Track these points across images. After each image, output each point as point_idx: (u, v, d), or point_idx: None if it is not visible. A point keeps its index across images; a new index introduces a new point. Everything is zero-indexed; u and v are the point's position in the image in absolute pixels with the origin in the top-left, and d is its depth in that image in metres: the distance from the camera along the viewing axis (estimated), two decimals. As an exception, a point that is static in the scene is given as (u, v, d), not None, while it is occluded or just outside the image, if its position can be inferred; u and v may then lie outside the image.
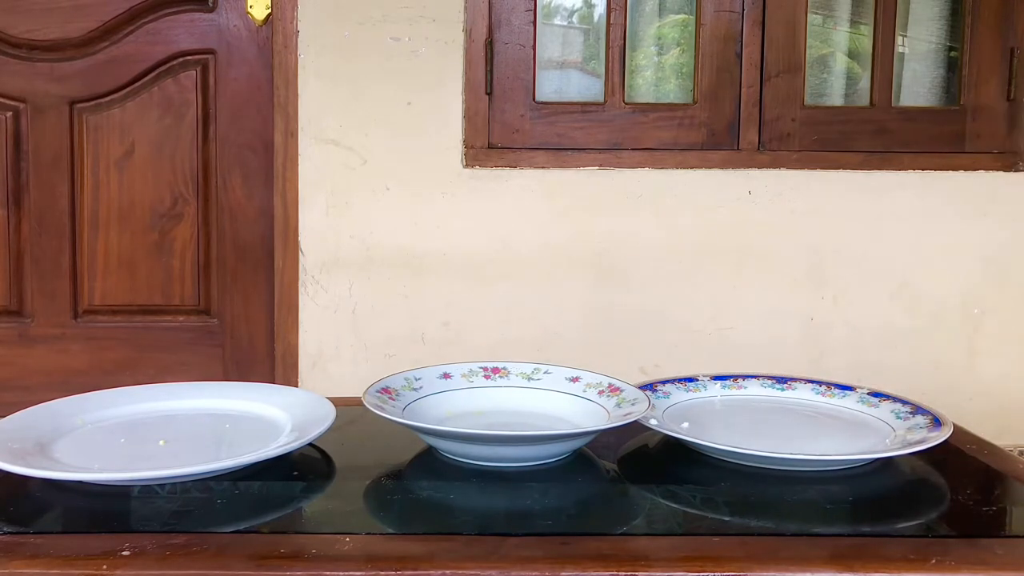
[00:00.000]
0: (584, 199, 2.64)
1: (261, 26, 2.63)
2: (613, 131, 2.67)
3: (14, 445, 1.02)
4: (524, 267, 2.63)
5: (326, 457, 1.09)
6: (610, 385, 1.20)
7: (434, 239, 2.61)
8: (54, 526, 0.93)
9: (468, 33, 2.60)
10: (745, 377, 1.32)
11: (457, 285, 2.61)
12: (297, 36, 2.56)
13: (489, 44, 2.61)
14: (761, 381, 1.31)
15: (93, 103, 2.65)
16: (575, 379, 1.23)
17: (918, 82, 2.86)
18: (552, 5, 2.81)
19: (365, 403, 1.09)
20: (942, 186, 2.69)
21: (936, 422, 1.12)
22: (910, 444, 1.07)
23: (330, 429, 1.08)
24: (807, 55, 2.69)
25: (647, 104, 2.72)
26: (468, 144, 2.62)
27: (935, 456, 1.07)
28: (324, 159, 2.59)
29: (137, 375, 2.62)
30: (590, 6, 2.84)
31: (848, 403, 1.24)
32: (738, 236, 2.66)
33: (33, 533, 0.88)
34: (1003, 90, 2.71)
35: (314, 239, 2.60)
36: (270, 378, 2.64)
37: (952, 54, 2.82)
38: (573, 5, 2.85)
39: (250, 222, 2.68)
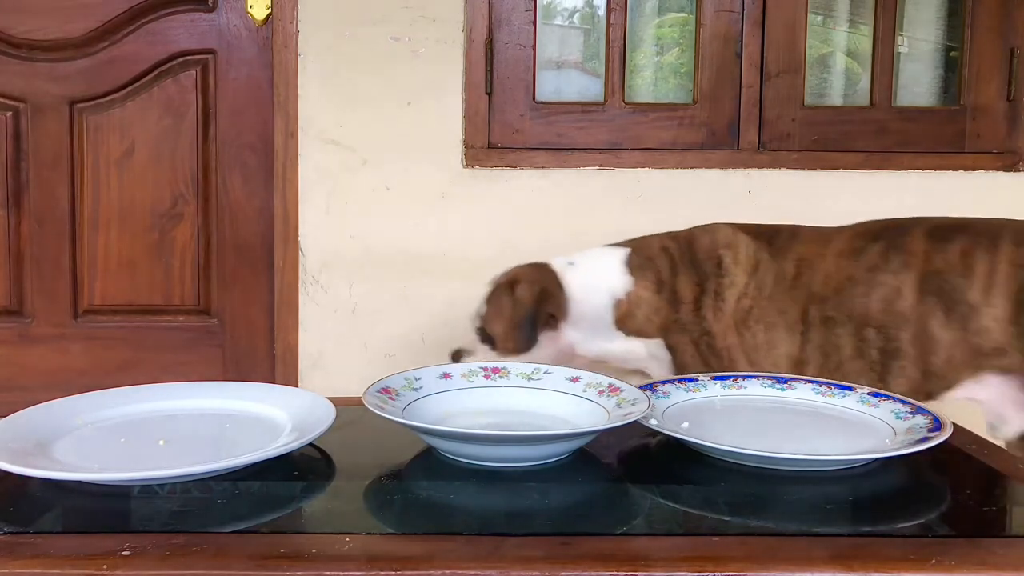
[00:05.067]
0: (584, 199, 2.64)
1: (261, 26, 2.63)
2: (613, 131, 2.68)
3: (14, 445, 1.01)
4: (524, 267, 2.63)
5: (326, 457, 1.09)
6: (610, 385, 1.20)
7: (434, 239, 2.61)
8: (54, 526, 0.93)
9: (468, 33, 2.60)
10: (745, 377, 1.32)
11: (457, 285, 2.61)
12: (297, 36, 2.56)
13: (489, 44, 2.61)
14: (761, 381, 1.31)
15: (93, 103, 2.65)
16: (575, 379, 1.22)
17: (918, 82, 2.87)
18: (552, 5, 2.81)
19: (365, 403, 1.09)
20: (942, 186, 2.69)
21: (936, 422, 1.12)
22: (910, 444, 1.07)
23: (330, 429, 1.07)
24: (807, 55, 2.70)
25: (647, 104, 2.72)
26: (468, 144, 2.62)
27: (935, 456, 1.07)
28: (324, 159, 2.59)
29: (137, 375, 2.62)
30: (590, 6, 2.84)
31: (848, 403, 1.24)
32: (738, 236, 2.65)
33: (33, 533, 0.88)
34: (1003, 90, 2.71)
35: (314, 239, 2.60)
36: (270, 378, 2.64)
37: (952, 54, 2.82)
38: (573, 5, 2.85)
39: (250, 222, 2.69)
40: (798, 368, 1.77)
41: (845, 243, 1.80)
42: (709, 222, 1.95)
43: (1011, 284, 1.66)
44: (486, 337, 1.91)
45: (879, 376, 1.73)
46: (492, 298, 1.90)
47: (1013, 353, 1.66)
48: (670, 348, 1.89)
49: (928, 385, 1.71)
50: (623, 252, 1.94)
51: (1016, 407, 1.69)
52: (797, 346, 1.78)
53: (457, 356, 1.92)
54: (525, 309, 1.88)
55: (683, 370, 1.85)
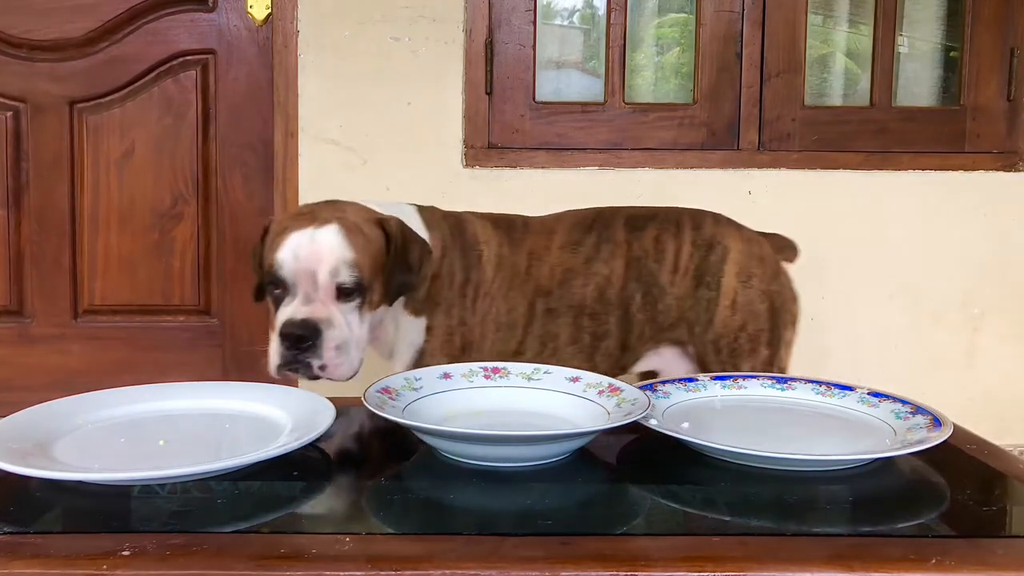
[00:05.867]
0: (584, 199, 2.63)
1: (261, 26, 2.63)
2: (613, 131, 2.67)
3: (14, 445, 1.02)
4: (524, 267, 2.63)
5: (326, 457, 1.09)
6: (610, 385, 1.20)
7: (434, 239, 2.60)
8: (54, 526, 0.93)
9: (468, 33, 2.60)
10: (745, 377, 1.33)
11: (457, 285, 2.61)
12: (297, 36, 2.56)
13: (489, 44, 2.61)
14: (761, 381, 1.31)
15: (93, 103, 2.65)
16: (575, 379, 1.23)
17: (918, 82, 2.86)
18: (552, 5, 2.81)
19: (365, 403, 1.09)
20: (942, 186, 2.69)
21: (936, 422, 1.12)
22: (910, 444, 1.07)
23: (330, 429, 1.08)
24: (807, 55, 2.69)
25: (647, 104, 2.72)
26: (468, 144, 2.62)
27: (935, 456, 1.07)
28: (324, 159, 2.59)
29: (137, 375, 2.61)
30: (590, 6, 2.84)
31: (848, 403, 1.24)
32: (738, 236, 2.66)
33: (33, 533, 0.88)
34: (1003, 90, 2.71)
35: (314, 239, 2.60)
36: (270, 378, 2.63)
37: (952, 54, 2.82)
38: (573, 5, 2.85)
39: (250, 222, 2.68)
40: (515, 358, 1.78)
41: (565, 236, 1.85)
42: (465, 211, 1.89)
43: (691, 263, 1.85)
44: (353, 291, 1.50)
45: (587, 356, 1.83)
46: (352, 238, 1.51)
47: (682, 326, 1.86)
48: (428, 329, 1.71)
49: (623, 359, 1.86)
50: (413, 207, 1.78)
51: (684, 372, 1.84)
52: (518, 340, 1.80)
53: (298, 336, 1.46)
54: (401, 247, 1.57)
55: (429, 359, 1.68)
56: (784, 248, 2.00)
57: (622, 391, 1.18)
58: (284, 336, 1.46)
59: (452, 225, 1.78)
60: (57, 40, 2.62)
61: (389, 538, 0.89)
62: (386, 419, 1.07)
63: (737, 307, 1.85)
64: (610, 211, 1.91)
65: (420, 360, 1.70)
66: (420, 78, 2.58)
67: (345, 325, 1.49)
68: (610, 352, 1.85)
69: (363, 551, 0.83)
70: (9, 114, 2.64)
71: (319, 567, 0.80)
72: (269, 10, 2.59)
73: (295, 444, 1.03)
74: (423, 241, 1.65)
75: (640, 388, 1.19)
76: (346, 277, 1.49)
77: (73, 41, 2.63)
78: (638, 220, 1.88)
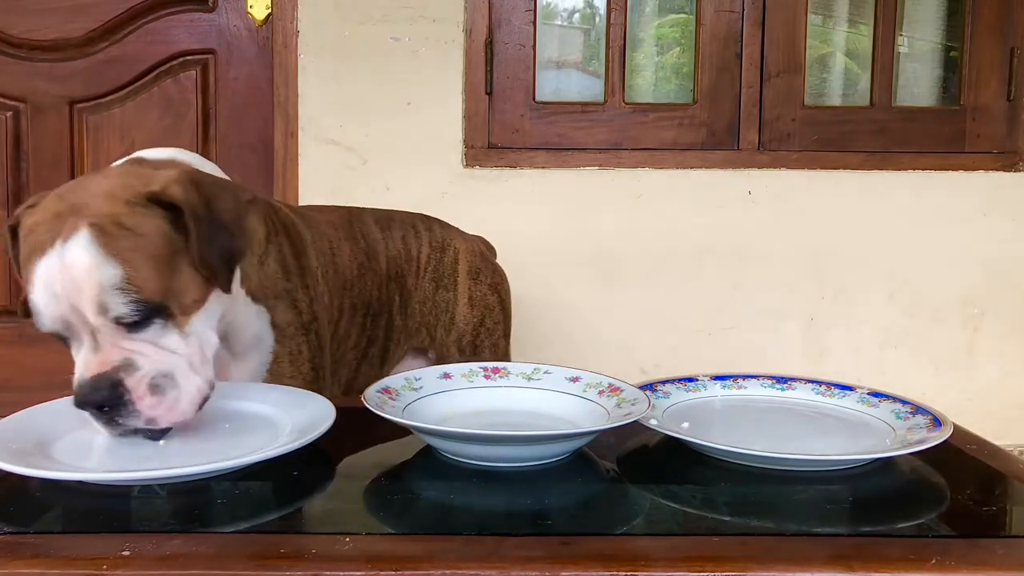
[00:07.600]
0: (584, 199, 2.64)
1: (261, 26, 2.63)
2: (613, 131, 2.68)
3: (14, 445, 1.01)
4: (524, 267, 2.63)
5: (326, 457, 1.09)
6: (610, 385, 1.20)
7: (434, 239, 2.60)
8: (54, 526, 0.92)
9: (468, 33, 2.60)
10: (745, 377, 1.32)
11: (457, 285, 2.61)
12: (297, 36, 2.56)
13: (489, 44, 2.61)
14: (761, 381, 1.31)
15: (93, 103, 2.65)
16: (575, 379, 1.22)
17: (918, 82, 2.87)
18: (552, 5, 2.81)
19: (365, 403, 1.09)
20: (942, 186, 2.69)
21: (936, 422, 1.12)
22: (910, 444, 1.07)
23: (330, 429, 1.07)
24: (807, 55, 2.70)
25: (647, 104, 2.72)
26: (468, 144, 2.62)
27: (935, 456, 1.07)
28: (324, 159, 2.59)
29: (137, 375, 2.61)
30: (590, 6, 2.84)
31: (848, 403, 1.24)
32: (738, 236, 2.66)
33: (33, 533, 0.88)
34: (1003, 90, 2.71)
35: (314, 239, 2.60)
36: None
37: (952, 54, 2.82)
38: (573, 5, 2.85)
39: (250, 222, 2.68)
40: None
41: (344, 229, 1.69)
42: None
43: (430, 265, 1.85)
44: (142, 320, 1.06)
45: (357, 364, 1.68)
46: (112, 246, 1.04)
47: (423, 332, 1.83)
48: (275, 326, 1.37)
49: (382, 371, 1.75)
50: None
51: None
52: (328, 336, 1.54)
53: (98, 403, 1.05)
54: (203, 210, 1.10)
55: (289, 365, 1.40)
56: (488, 248, 2.06)
57: (622, 391, 1.18)
58: (81, 407, 1.05)
59: (264, 203, 1.44)
60: (57, 40, 2.62)
61: (389, 538, 0.89)
62: (386, 419, 1.07)
63: (474, 303, 1.88)
64: (357, 209, 1.82)
65: (275, 365, 1.38)
66: (420, 78, 2.58)
67: (156, 352, 1.08)
68: (374, 361, 1.72)
69: (363, 551, 0.83)
70: (9, 114, 2.64)
71: (319, 567, 0.80)
72: (269, 10, 2.59)
73: (295, 444, 1.03)
74: (228, 183, 1.23)
75: (640, 388, 1.19)
76: (121, 308, 1.04)
77: (73, 41, 2.63)
78: (383, 220, 1.82)
